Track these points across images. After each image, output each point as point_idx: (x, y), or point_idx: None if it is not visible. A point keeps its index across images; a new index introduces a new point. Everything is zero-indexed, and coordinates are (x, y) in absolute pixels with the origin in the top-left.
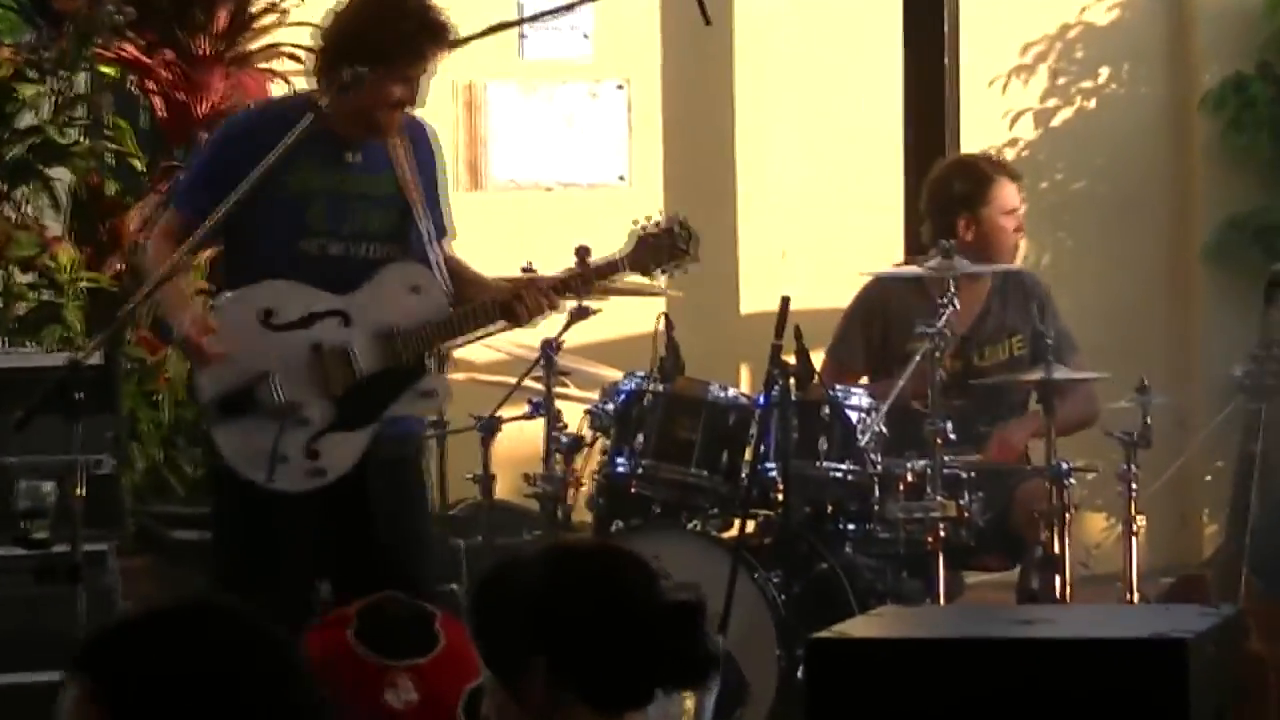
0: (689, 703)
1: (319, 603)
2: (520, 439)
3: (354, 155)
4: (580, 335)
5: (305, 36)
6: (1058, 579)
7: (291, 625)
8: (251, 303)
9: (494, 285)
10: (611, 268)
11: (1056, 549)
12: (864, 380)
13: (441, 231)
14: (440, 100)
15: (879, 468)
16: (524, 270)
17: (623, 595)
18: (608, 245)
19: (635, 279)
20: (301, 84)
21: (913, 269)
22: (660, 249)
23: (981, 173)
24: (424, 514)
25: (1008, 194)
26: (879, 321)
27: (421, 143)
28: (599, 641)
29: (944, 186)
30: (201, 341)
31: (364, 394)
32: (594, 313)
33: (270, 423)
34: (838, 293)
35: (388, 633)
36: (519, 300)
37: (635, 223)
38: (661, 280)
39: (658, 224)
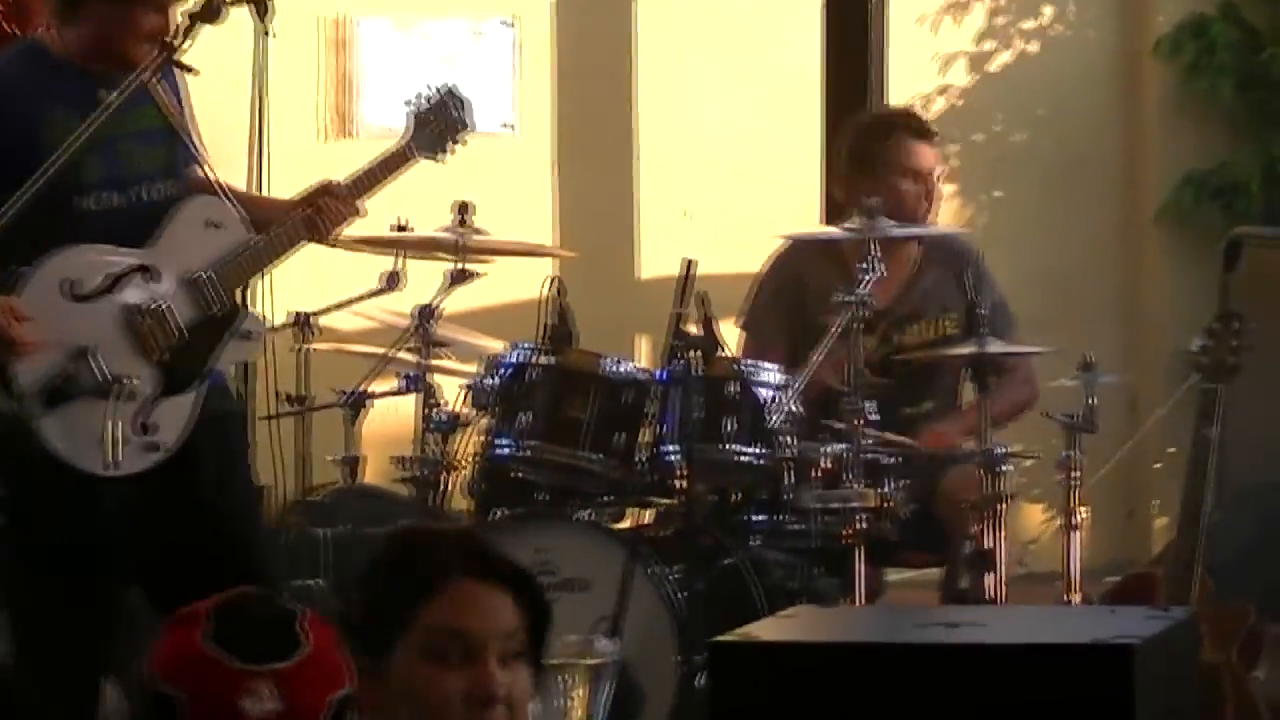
0: (579, 709)
1: (127, 609)
2: (391, 417)
3: (105, 93)
4: (459, 301)
5: None
6: (990, 577)
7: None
8: (48, 277)
9: (283, 202)
10: (400, 157)
11: (989, 544)
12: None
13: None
14: (303, 37)
15: (792, 452)
16: (396, 228)
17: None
18: (493, 200)
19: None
20: None
21: (831, 230)
22: (441, 124)
23: (879, 130)
24: (249, 478)
25: (906, 153)
26: (792, 292)
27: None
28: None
29: (849, 145)
30: (12, 330)
31: (186, 350)
32: (475, 276)
33: (99, 403)
34: (747, 256)
35: (245, 634)
36: (318, 212)
37: (407, 104)
38: (445, 158)
39: (428, 99)
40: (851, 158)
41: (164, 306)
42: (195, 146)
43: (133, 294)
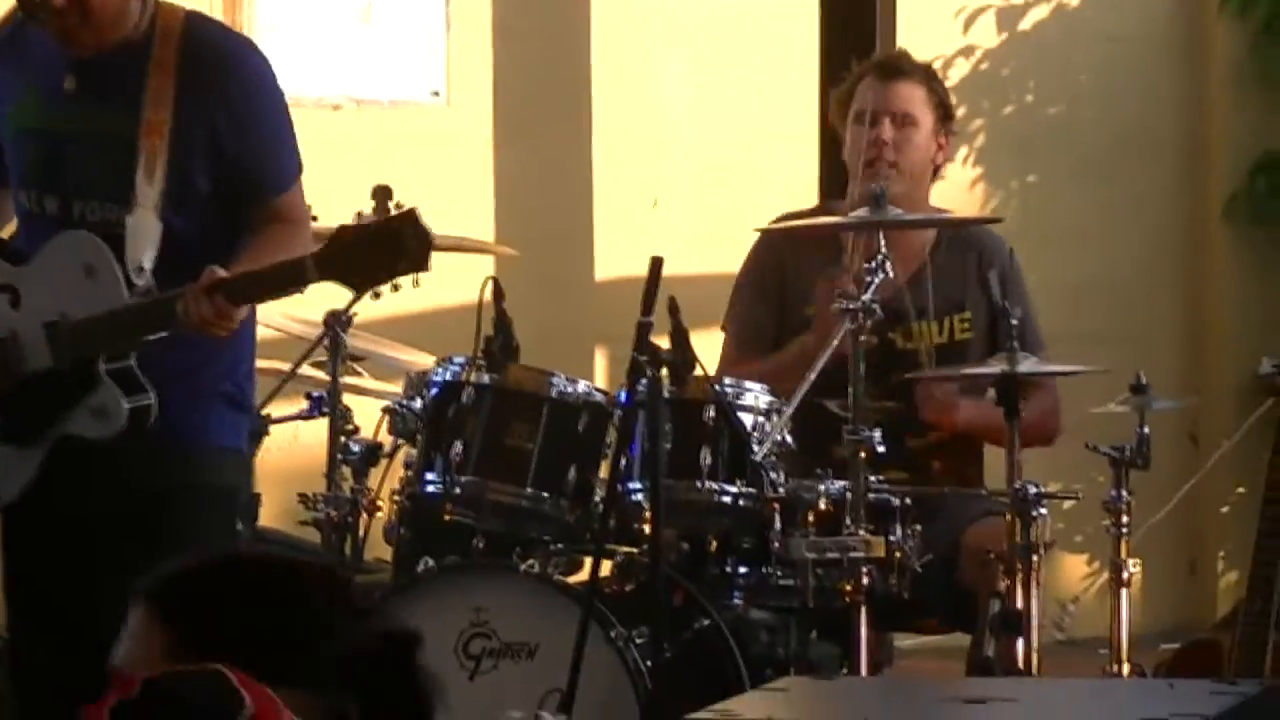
0: None
1: None
2: (295, 446)
3: (72, 82)
4: (379, 307)
5: None
6: (1021, 644)
7: None
8: None
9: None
10: (294, 273)
11: (1020, 604)
12: None
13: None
14: None
15: (781, 491)
16: None
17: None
18: (418, 185)
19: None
20: None
21: (824, 220)
22: (371, 251)
23: (849, 76)
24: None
25: (862, 95)
26: (775, 278)
27: (205, 66)
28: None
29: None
30: None
31: (33, 399)
32: None
33: None
34: (727, 253)
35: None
36: (182, 302)
37: (359, 214)
38: (371, 296)
39: (382, 214)
40: (835, 118)
41: (20, 337)
42: (154, 174)
43: None
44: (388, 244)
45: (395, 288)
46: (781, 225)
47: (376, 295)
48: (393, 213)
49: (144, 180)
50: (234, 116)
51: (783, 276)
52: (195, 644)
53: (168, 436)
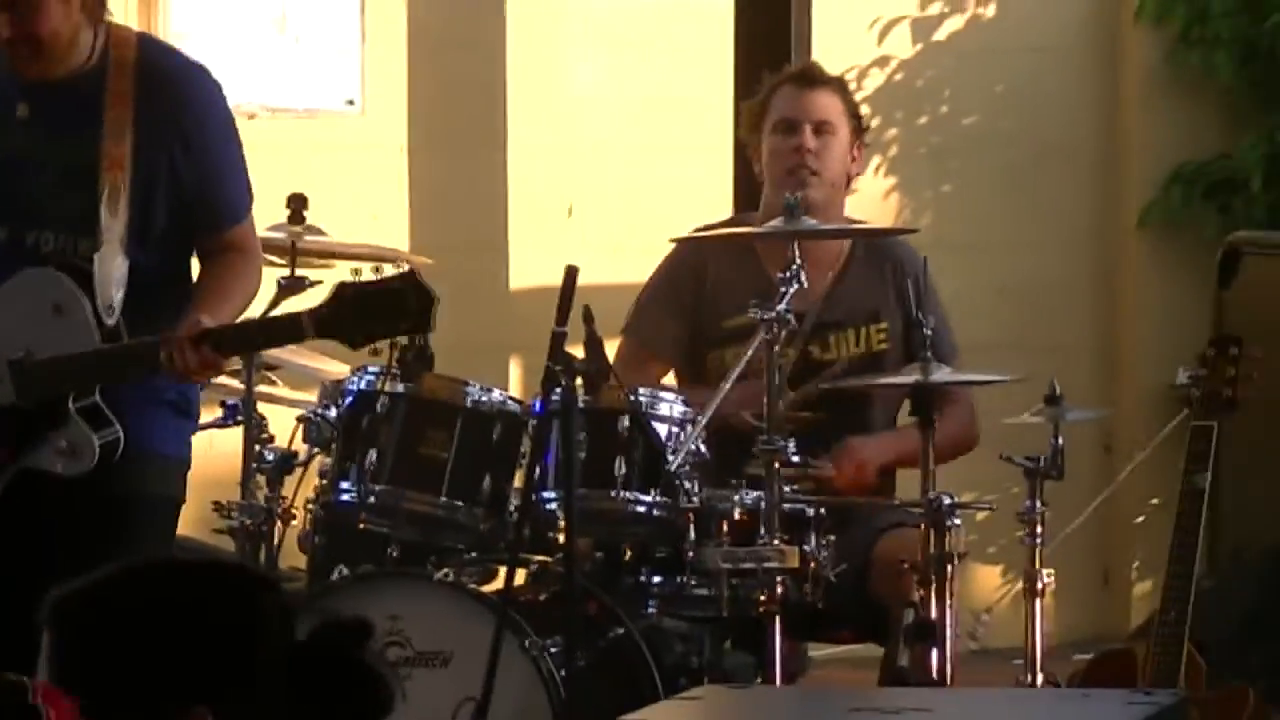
0: None
1: None
2: (210, 454)
3: (25, 109)
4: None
5: None
6: (936, 654)
7: None
8: None
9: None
10: (292, 329)
11: (935, 614)
12: (672, 372)
13: (205, 219)
14: None
15: (696, 501)
16: None
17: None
18: (332, 193)
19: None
20: None
21: (740, 230)
22: (372, 310)
23: (765, 86)
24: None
25: (783, 102)
26: (690, 293)
27: (161, 95)
28: (264, 678)
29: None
30: None
31: None
32: (311, 284)
33: None
34: (642, 262)
35: None
36: (165, 350)
37: (354, 274)
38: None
39: (381, 274)
40: (747, 127)
41: None
42: (116, 206)
43: None
44: (390, 303)
45: (392, 345)
46: (697, 235)
47: (375, 352)
48: (391, 272)
49: (108, 215)
50: (192, 147)
51: (698, 289)
52: (93, 665)
53: (123, 441)
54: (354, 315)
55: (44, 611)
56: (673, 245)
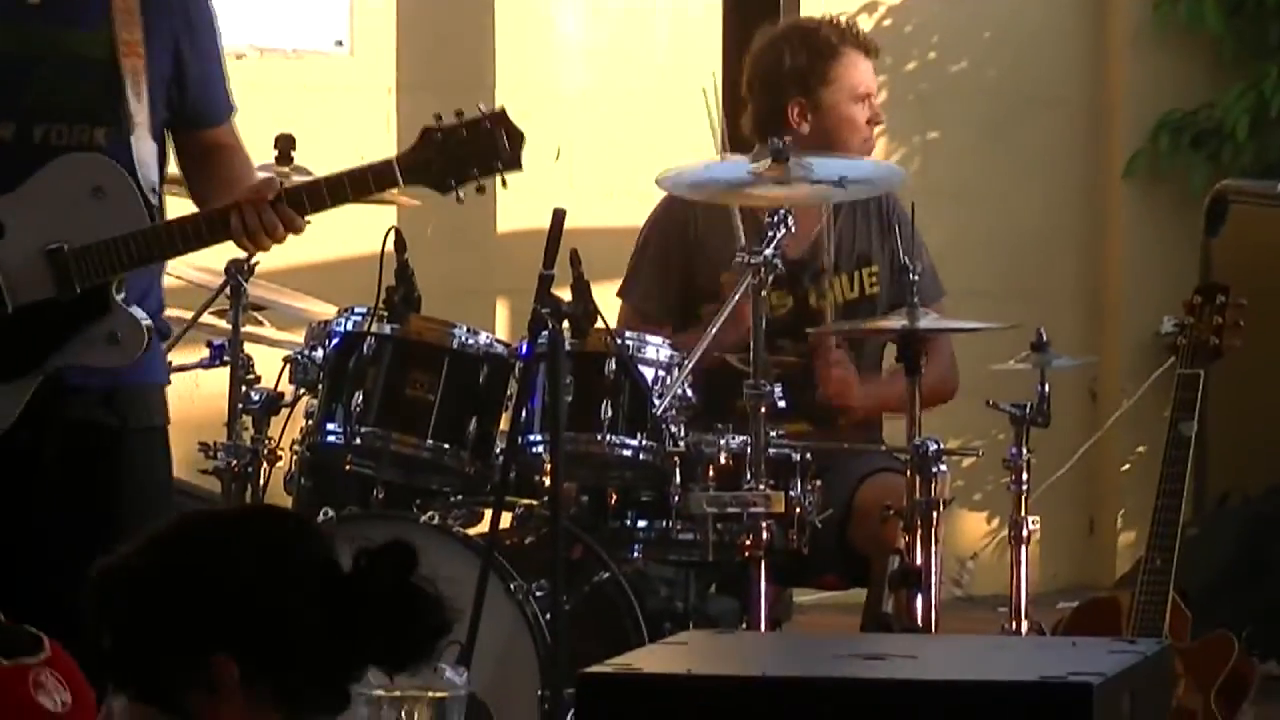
0: None
1: None
2: (196, 395)
3: None
4: (279, 256)
5: None
6: (920, 600)
7: None
8: None
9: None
10: (382, 176)
11: (919, 560)
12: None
13: (207, 111)
14: None
15: (682, 445)
16: None
17: (311, 561)
18: (320, 134)
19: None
20: None
21: (728, 175)
22: (459, 152)
23: (823, 42)
24: (112, 519)
25: (858, 72)
26: (678, 251)
27: None
28: (296, 624)
29: (771, 61)
30: None
31: (17, 332)
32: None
33: None
34: (630, 206)
35: None
36: (237, 214)
37: (438, 118)
38: (459, 195)
39: (459, 116)
40: (779, 81)
41: None
42: (137, 93)
43: None
44: (481, 144)
45: (480, 189)
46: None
47: (460, 199)
48: (479, 120)
49: (134, 100)
50: (196, 37)
51: (687, 244)
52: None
53: (118, 374)
54: (444, 158)
55: (86, 588)
56: (658, 203)
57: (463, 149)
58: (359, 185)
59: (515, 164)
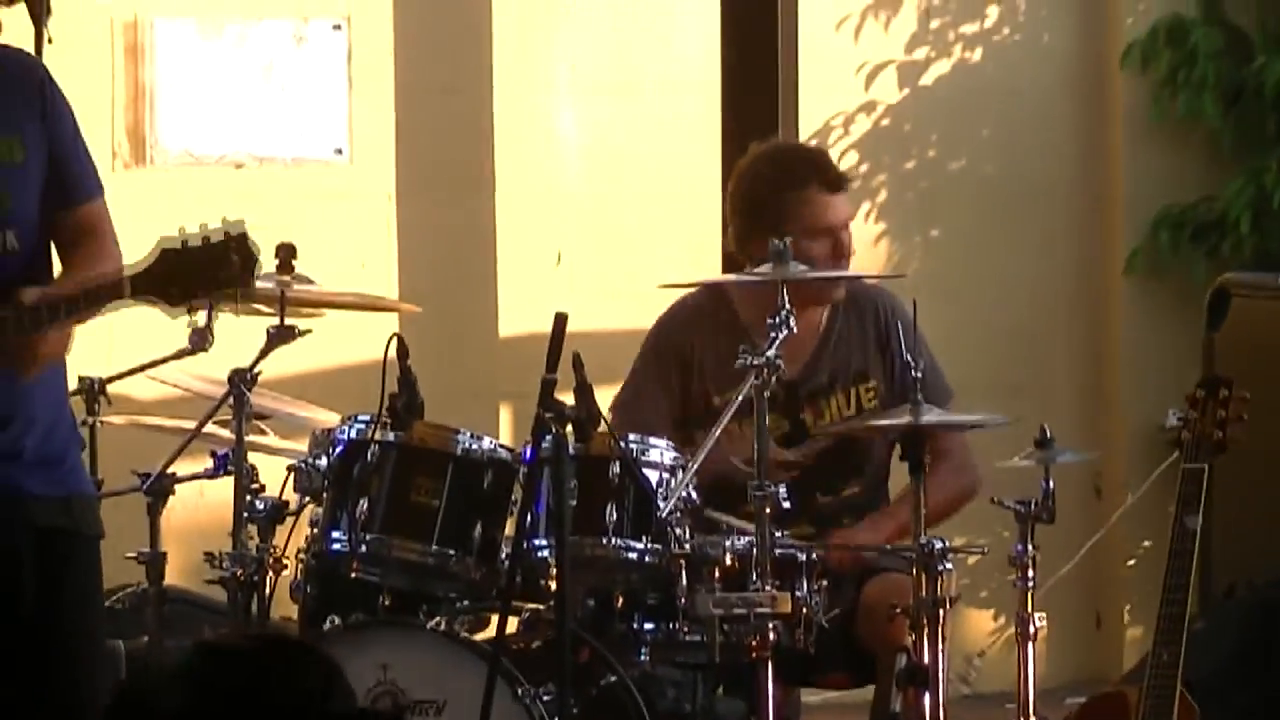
0: None
1: None
2: (201, 504)
3: None
4: (283, 364)
5: None
6: (928, 698)
7: None
8: None
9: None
10: (110, 291)
11: (926, 658)
12: None
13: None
14: (95, 43)
15: (687, 547)
16: None
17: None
18: (321, 242)
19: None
20: None
21: (728, 278)
22: (191, 270)
23: (790, 175)
24: (88, 596)
25: (818, 208)
26: (677, 368)
27: (9, 71)
28: None
29: (744, 187)
30: None
31: None
32: (301, 334)
33: None
34: (631, 310)
35: None
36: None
37: (180, 233)
38: (197, 317)
39: (202, 239)
40: (748, 208)
41: None
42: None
43: None
44: (212, 262)
45: (213, 310)
46: (683, 282)
47: (192, 310)
48: (227, 235)
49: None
50: (58, 115)
51: (685, 369)
52: None
53: (67, 481)
54: (177, 276)
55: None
56: (668, 294)
57: (194, 267)
58: (91, 297)
59: (241, 283)
